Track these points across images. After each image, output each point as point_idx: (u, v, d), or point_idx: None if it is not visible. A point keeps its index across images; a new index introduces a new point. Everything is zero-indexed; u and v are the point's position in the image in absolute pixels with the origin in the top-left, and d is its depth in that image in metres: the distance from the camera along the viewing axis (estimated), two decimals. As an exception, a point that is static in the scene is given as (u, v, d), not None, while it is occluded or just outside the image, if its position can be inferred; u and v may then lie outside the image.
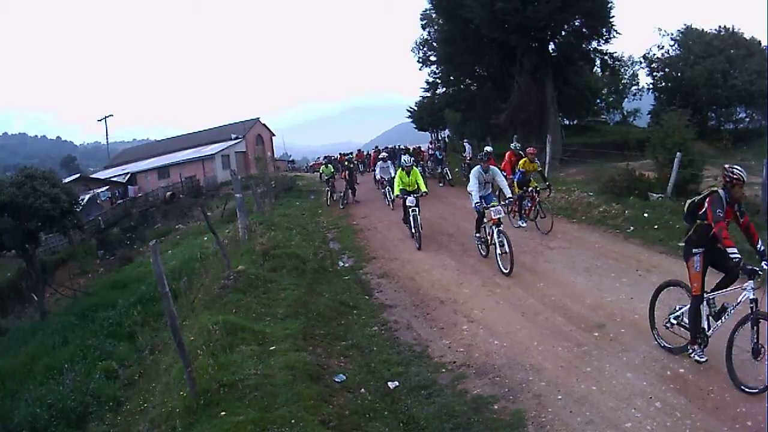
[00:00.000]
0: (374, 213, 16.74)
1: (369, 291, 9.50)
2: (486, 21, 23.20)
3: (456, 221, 13.66)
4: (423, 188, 12.27)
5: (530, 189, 11.81)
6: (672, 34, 30.59)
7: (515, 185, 11.93)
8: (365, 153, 39.64)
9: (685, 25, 30.78)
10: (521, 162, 12.13)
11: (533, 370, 5.84)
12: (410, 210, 12.10)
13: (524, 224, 12.02)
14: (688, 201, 5.55)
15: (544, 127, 23.26)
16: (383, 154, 20.28)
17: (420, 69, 37.70)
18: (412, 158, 13.33)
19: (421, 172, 13.41)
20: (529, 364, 6.00)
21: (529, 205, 11.98)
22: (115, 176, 46.16)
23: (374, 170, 20.21)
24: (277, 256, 10.47)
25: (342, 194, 20.63)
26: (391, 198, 17.12)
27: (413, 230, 12.09)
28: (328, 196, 21.41)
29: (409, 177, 12.27)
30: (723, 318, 5.21)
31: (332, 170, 22.03)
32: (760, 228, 8.92)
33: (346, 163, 26.63)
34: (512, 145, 13.60)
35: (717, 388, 5.00)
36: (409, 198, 12.06)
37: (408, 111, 44.36)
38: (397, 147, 35.11)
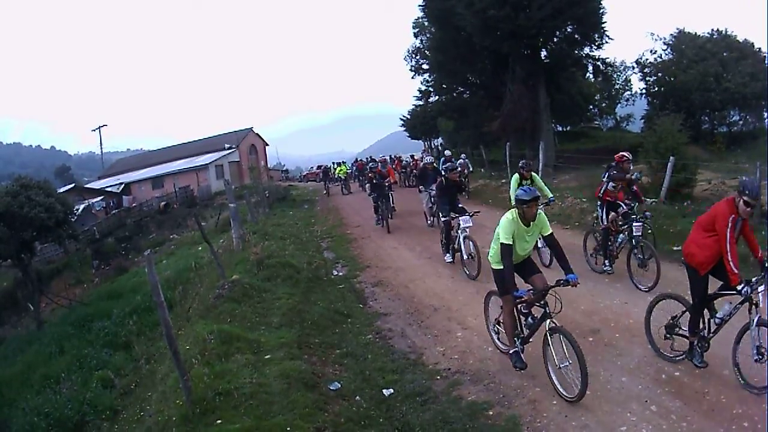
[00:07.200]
0: (368, 222, 16.73)
1: (363, 299, 9.47)
2: (478, 28, 23.29)
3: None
4: None
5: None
6: (665, 39, 30.73)
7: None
8: (391, 160, 30.75)
9: (677, 29, 30.96)
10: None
11: (528, 375, 5.83)
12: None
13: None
14: None
15: (536, 134, 23.36)
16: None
17: (412, 77, 37.87)
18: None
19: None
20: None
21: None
22: (109, 186, 46.21)
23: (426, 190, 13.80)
24: (271, 265, 10.46)
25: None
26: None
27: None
28: None
29: None
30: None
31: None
32: (758, 231, 9.01)
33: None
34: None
35: (713, 390, 5.03)
36: None
37: (401, 120, 44.51)
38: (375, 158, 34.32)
